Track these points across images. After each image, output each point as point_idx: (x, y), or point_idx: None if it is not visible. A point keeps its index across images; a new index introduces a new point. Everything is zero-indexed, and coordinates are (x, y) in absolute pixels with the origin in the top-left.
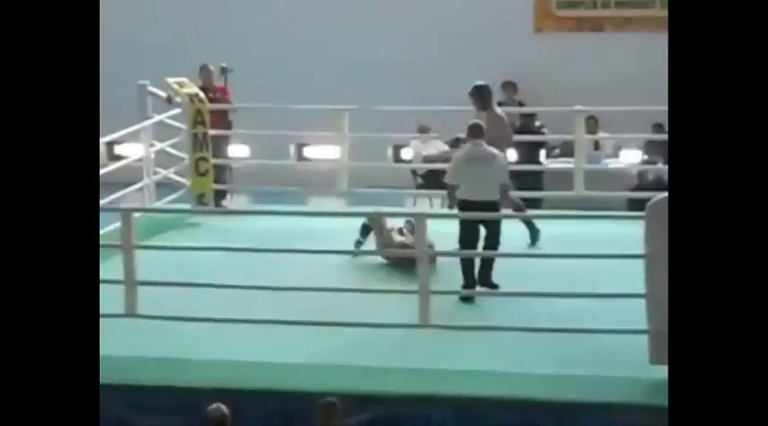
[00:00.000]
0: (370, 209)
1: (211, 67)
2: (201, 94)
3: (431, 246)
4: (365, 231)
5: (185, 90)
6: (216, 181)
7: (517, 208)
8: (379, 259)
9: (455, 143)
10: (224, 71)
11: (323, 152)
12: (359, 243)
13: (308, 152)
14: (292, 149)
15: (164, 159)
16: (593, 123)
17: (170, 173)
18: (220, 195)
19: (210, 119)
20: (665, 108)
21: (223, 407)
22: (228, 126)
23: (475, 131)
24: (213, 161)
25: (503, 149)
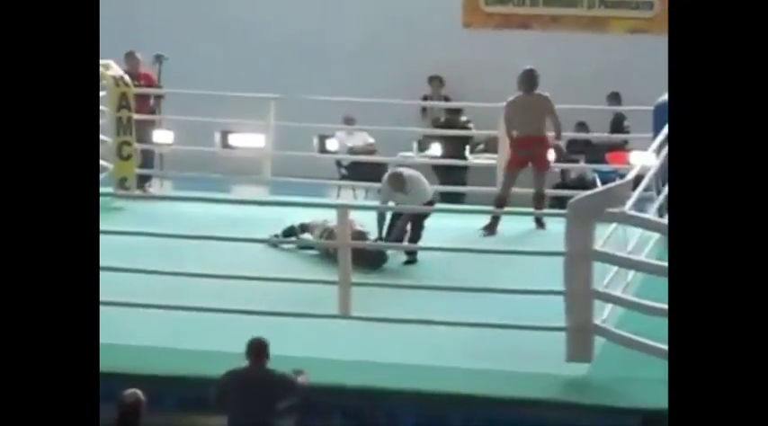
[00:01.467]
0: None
1: (138, 55)
2: (127, 78)
3: (364, 236)
4: (288, 233)
5: (110, 73)
6: (142, 166)
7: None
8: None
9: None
10: (159, 59)
11: (248, 140)
12: (275, 236)
13: (232, 139)
14: (217, 136)
15: None
16: None
17: None
18: (144, 179)
19: (135, 105)
20: (589, 106)
21: (138, 392)
22: (151, 112)
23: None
24: (139, 146)
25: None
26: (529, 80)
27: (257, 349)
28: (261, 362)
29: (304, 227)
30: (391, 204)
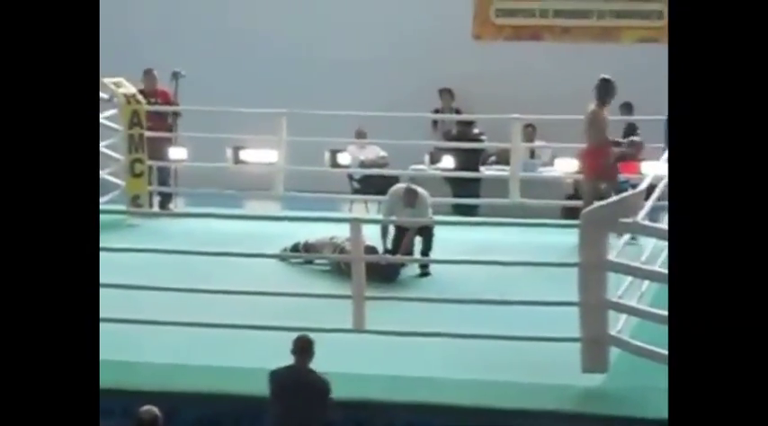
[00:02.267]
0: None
1: (155, 72)
2: (139, 95)
3: (375, 251)
4: (293, 251)
5: (122, 90)
6: (160, 184)
7: None
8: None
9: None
10: (175, 76)
11: (260, 155)
12: (285, 249)
13: (244, 155)
14: (229, 152)
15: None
16: (530, 131)
17: (105, 174)
18: (167, 198)
19: (151, 122)
20: None
21: (155, 409)
22: (169, 129)
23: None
24: (153, 163)
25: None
26: (609, 90)
27: (303, 346)
28: (306, 359)
29: (308, 248)
30: (393, 218)
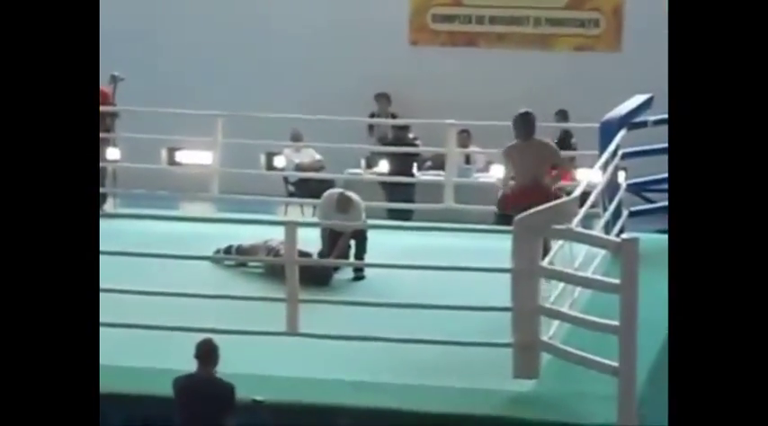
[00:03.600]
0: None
1: None
2: None
3: (308, 255)
4: (226, 252)
5: None
6: None
7: None
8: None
9: None
10: (114, 79)
11: (195, 157)
12: (218, 251)
13: (179, 156)
14: (164, 153)
15: None
16: (465, 137)
17: None
18: (102, 199)
19: None
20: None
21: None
22: (107, 130)
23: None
24: None
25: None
26: (525, 125)
27: (206, 351)
28: (209, 366)
29: (242, 251)
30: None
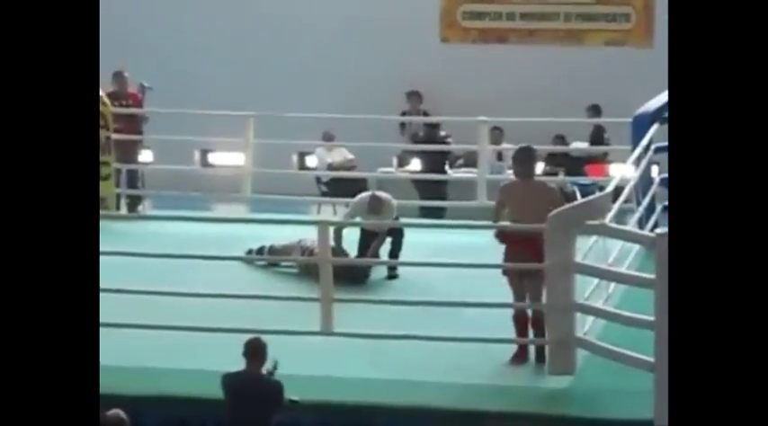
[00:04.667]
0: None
1: (126, 74)
2: (105, 97)
3: (346, 255)
4: (259, 252)
5: None
6: (129, 187)
7: None
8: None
9: None
10: (142, 88)
11: (227, 158)
12: (250, 251)
13: (212, 158)
14: (197, 155)
15: None
16: (497, 134)
17: None
18: (135, 201)
19: (121, 124)
20: (567, 120)
21: (121, 412)
22: (139, 132)
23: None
24: (123, 166)
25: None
26: (528, 161)
27: (254, 349)
28: (258, 364)
29: (274, 251)
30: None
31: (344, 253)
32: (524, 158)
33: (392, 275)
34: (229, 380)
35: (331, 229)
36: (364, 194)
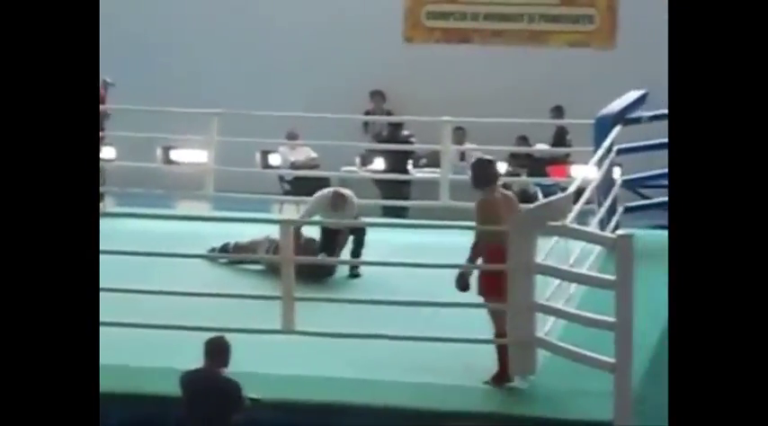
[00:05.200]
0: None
1: None
2: None
3: (315, 242)
4: (222, 251)
5: None
6: None
7: None
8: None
9: None
10: (105, 84)
11: (190, 155)
12: (213, 249)
13: (175, 155)
14: (159, 152)
15: None
16: (460, 134)
17: None
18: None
19: None
20: (530, 120)
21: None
22: (101, 130)
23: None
24: None
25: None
26: (490, 171)
27: (216, 348)
28: (219, 363)
29: (238, 248)
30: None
31: (315, 243)
32: (488, 168)
33: (355, 274)
34: (187, 378)
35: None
36: (326, 190)
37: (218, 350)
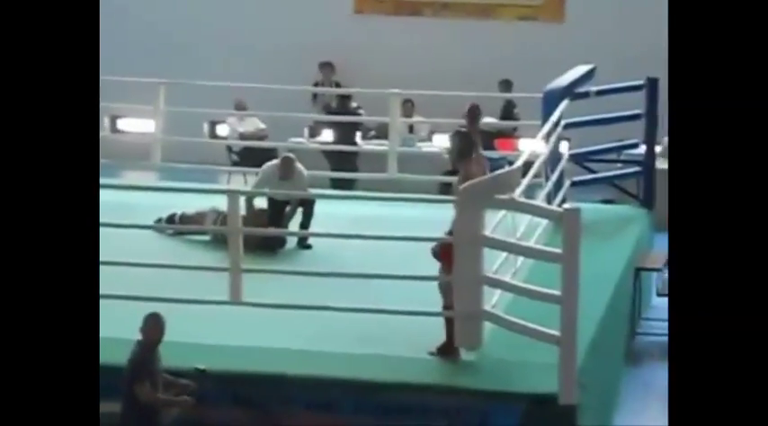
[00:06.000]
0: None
1: None
2: None
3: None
4: (169, 222)
5: None
6: None
7: None
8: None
9: None
10: None
11: (137, 125)
12: (159, 220)
13: (122, 124)
14: (106, 121)
15: None
16: (409, 106)
17: None
18: None
19: None
20: (478, 94)
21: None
22: None
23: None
24: None
25: None
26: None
27: (148, 324)
28: (151, 338)
29: (185, 219)
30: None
31: (265, 214)
32: (463, 141)
33: (305, 245)
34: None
35: (242, 199)
36: (274, 161)
37: (151, 325)
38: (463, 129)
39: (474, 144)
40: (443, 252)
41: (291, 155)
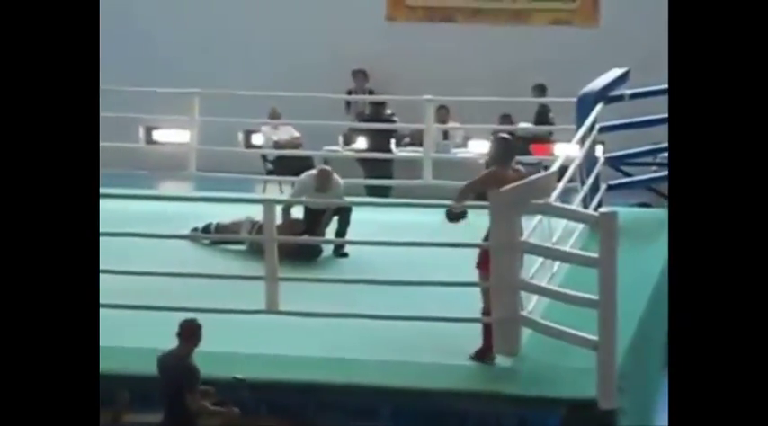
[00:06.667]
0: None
1: None
2: None
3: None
4: (204, 231)
5: None
6: None
7: None
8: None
9: None
10: None
11: (172, 135)
12: (195, 229)
13: (157, 135)
14: (141, 132)
15: None
16: (443, 113)
17: None
18: None
19: None
20: (512, 99)
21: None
22: None
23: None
24: None
25: None
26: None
27: (187, 330)
28: (189, 345)
29: (220, 229)
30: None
31: (301, 224)
32: (502, 147)
33: (341, 253)
34: (160, 359)
35: (278, 208)
36: (311, 171)
37: (189, 332)
38: (505, 135)
39: (514, 150)
40: (482, 258)
41: (328, 167)
